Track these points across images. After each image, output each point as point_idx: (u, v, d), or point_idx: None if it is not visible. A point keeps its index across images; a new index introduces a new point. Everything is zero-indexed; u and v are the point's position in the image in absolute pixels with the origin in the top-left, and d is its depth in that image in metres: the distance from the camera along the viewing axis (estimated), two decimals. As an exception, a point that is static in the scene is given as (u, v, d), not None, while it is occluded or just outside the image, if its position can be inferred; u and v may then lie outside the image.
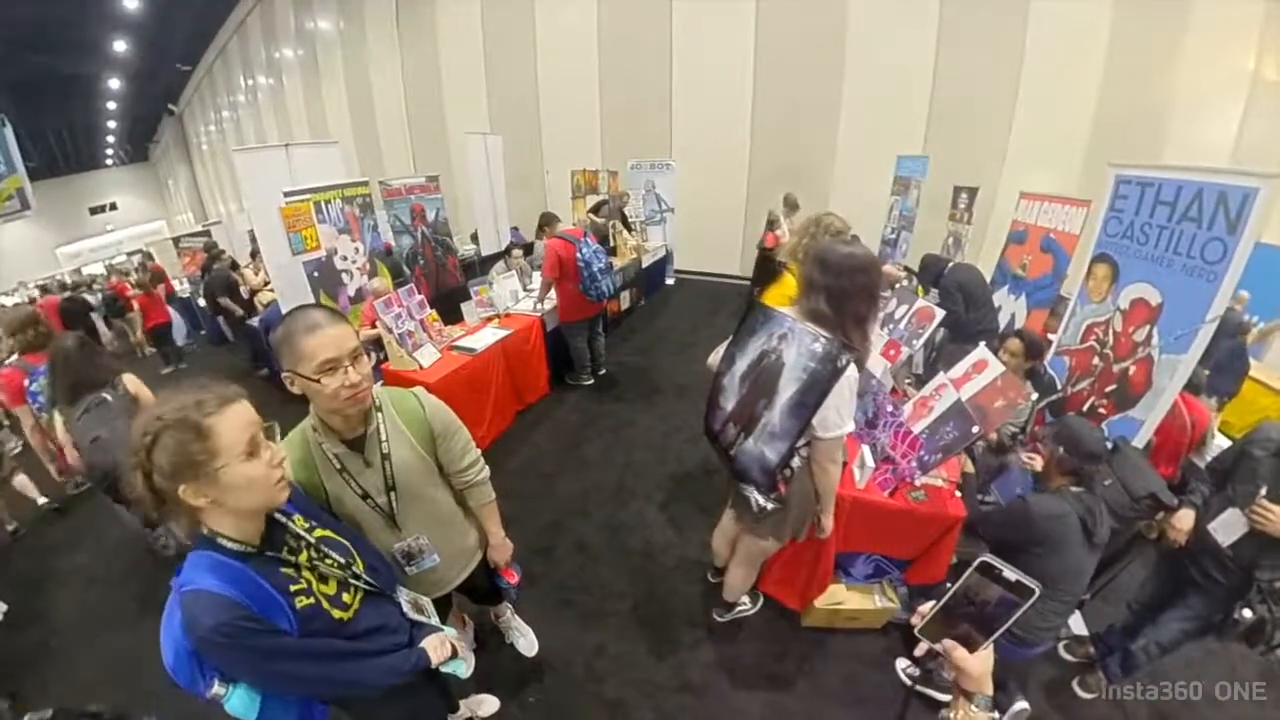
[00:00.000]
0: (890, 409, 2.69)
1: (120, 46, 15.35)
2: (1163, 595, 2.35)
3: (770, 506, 1.89)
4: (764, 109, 8.46)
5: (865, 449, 2.61)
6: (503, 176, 7.39)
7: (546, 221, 4.72)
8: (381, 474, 1.45)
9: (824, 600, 2.60)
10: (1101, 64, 7.34)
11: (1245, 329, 4.97)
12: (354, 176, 4.98)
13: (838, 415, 1.72)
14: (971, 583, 0.88)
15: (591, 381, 4.98)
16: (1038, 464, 2.32)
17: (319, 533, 1.23)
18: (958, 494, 2.46)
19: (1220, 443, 3.47)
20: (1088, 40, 7.32)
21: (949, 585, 0.91)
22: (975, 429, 2.30)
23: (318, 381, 1.24)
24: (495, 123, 10.25)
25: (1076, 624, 2.75)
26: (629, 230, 6.92)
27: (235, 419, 0.99)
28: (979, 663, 0.92)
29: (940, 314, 2.97)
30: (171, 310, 7.50)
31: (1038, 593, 0.83)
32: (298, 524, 1.18)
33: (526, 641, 2.47)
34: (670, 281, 8.49)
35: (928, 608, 0.97)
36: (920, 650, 1.00)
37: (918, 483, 2.47)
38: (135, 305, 7.33)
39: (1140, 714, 2.40)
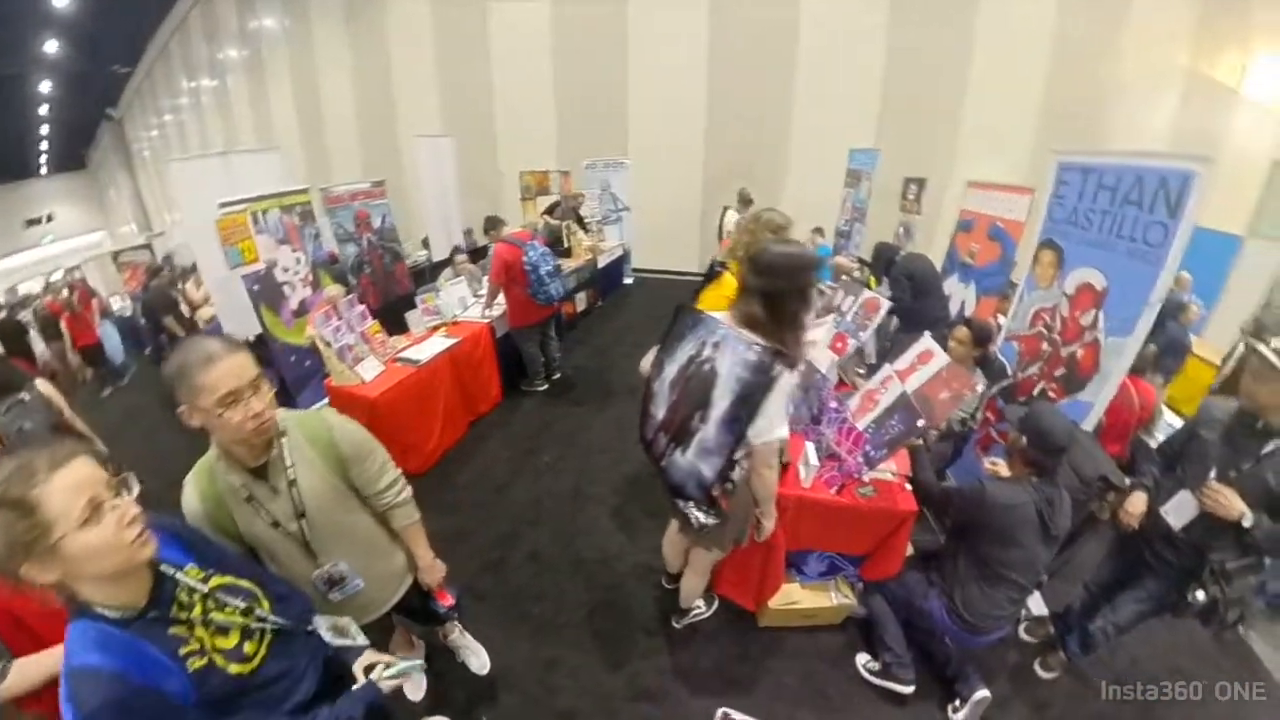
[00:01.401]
0: (834, 405, 2.68)
1: (51, 47, 14.56)
2: (1118, 577, 2.38)
3: (710, 522, 1.86)
4: (718, 105, 8.50)
5: (809, 446, 2.60)
6: (454, 179, 7.24)
7: (492, 225, 4.64)
8: (290, 500, 1.41)
9: (778, 600, 2.60)
10: (1047, 56, 7.60)
11: (1185, 309, 5.19)
12: (303, 183, 4.84)
13: (769, 421, 1.69)
14: None
15: (546, 387, 4.93)
16: (1002, 470, 2.32)
17: (215, 581, 1.14)
18: (908, 487, 2.47)
19: (1169, 419, 3.66)
20: (1033, 33, 7.57)
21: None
22: (921, 422, 2.29)
23: (220, 416, 1.19)
24: (448, 124, 10.04)
25: (1036, 605, 2.80)
26: (584, 230, 6.86)
27: (65, 483, 0.88)
28: None
29: (886, 305, 2.98)
30: (106, 328, 7.18)
31: None
32: (190, 575, 1.09)
33: (478, 660, 2.42)
34: (629, 281, 8.47)
35: None
36: None
37: (866, 478, 2.45)
38: (63, 326, 7.00)
39: (1101, 688, 2.46)
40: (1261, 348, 1.92)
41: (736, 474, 1.86)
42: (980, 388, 2.91)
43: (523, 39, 9.39)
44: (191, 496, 1.38)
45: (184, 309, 6.25)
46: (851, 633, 2.64)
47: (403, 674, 1.32)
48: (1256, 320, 5.16)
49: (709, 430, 1.68)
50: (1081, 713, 2.39)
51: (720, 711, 0.65)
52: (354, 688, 1.26)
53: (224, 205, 4.06)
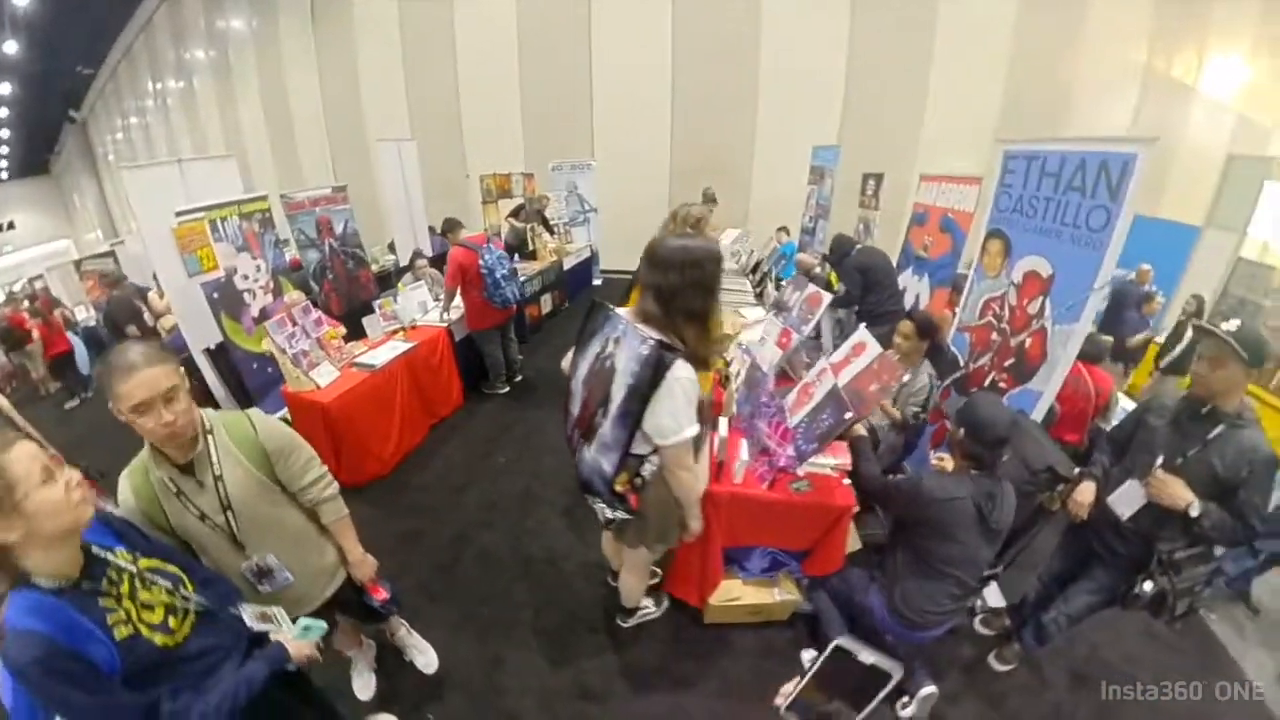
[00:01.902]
0: (764, 399, 2.67)
1: (10, 47, 14.15)
2: (1070, 567, 2.35)
3: (618, 517, 1.84)
4: (683, 106, 8.57)
5: (743, 442, 2.58)
6: (419, 183, 7.22)
7: (450, 228, 4.66)
8: (216, 495, 1.48)
9: (720, 597, 2.59)
10: (1007, 55, 7.73)
11: (1149, 298, 5.34)
12: (273, 187, 4.82)
13: (673, 420, 1.62)
14: (829, 665, 0.79)
15: (507, 389, 4.97)
16: (948, 465, 2.26)
17: (144, 563, 1.25)
18: (847, 482, 2.43)
19: (1126, 407, 3.56)
20: (994, 32, 7.70)
21: (809, 665, 0.83)
22: (849, 415, 2.24)
23: (135, 420, 1.29)
24: (416, 127, 10.03)
25: (994, 596, 2.80)
26: (550, 233, 6.89)
27: (22, 453, 1.04)
28: None
29: (828, 299, 2.99)
30: (73, 338, 7.08)
31: (896, 677, 0.75)
32: (119, 557, 1.20)
33: (425, 659, 2.46)
34: (597, 282, 8.53)
35: (791, 686, 0.87)
36: None
37: (800, 473, 2.40)
38: (36, 335, 6.88)
39: (1058, 680, 2.49)
40: (1218, 331, 1.83)
41: (647, 471, 1.81)
42: (907, 378, 2.90)
43: (489, 42, 9.40)
44: (126, 491, 1.47)
45: (147, 318, 6.18)
46: (798, 628, 2.64)
47: (309, 631, 1.44)
48: (1197, 299, 5.36)
49: (606, 425, 1.68)
50: (1036, 705, 2.40)
51: (836, 641, 0.68)
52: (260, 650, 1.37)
53: (181, 214, 4.04)
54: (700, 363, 1.69)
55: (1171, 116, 7.87)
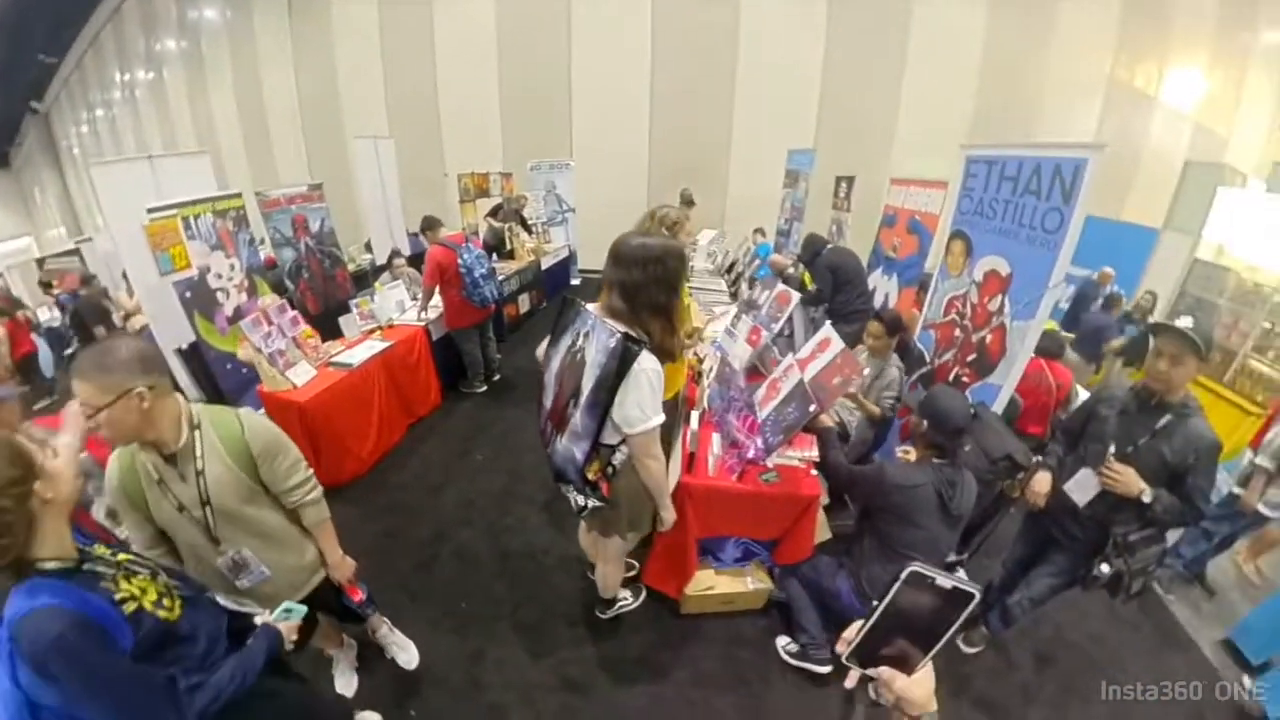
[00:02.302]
0: (733, 394, 2.75)
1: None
2: (1030, 553, 2.48)
3: (590, 504, 1.91)
4: (661, 107, 8.65)
5: (715, 435, 2.66)
6: (396, 182, 7.17)
7: (429, 225, 4.65)
8: (196, 489, 1.51)
9: (695, 587, 2.66)
10: (977, 63, 7.95)
11: (1115, 300, 5.56)
12: (246, 185, 4.76)
13: (639, 410, 1.69)
14: (902, 596, 0.74)
15: (485, 388, 4.99)
16: (912, 456, 2.34)
17: (122, 556, 1.26)
18: (814, 473, 2.53)
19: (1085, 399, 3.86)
20: (965, 41, 7.92)
21: (876, 603, 0.78)
22: (813, 408, 2.34)
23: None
24: (393, 125, 9.93)
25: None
26: (528, 232, 6.90)
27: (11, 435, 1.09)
28: (922, 685, 0.78)
29: (796, 297, 3.06)
30: (37, 339, 6.90)
31: (978, 596, 0.73)
32: (100, 550, 1.22)
33: (406, 655, 2.48)
34: (576, 282, 8.54)
35: (853, 631, 0.82)
36: (851, 681, 0.83)
37: (770, 464, 2.50)
38: (2, 332, 6.67)
39: (1024, 662, 2.62)
40: (1180, 328, 1.92)
41: (617, 460, 1.89)
42: (868, 371, 3.03)
43: (468, 40, 9.36)
44: (113, 469, 1.51)
45: (116, 318, 6.07)
46: (774, 616, 2.72)
47: (290, 614, 1.48)
48: (1152, 295, 5.62)
49: (577, 415, 1.74)
50: (1004, 684, 2.52)
51: (908, 570, 0.64)
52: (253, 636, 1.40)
53: (152, 210, 3.98)
54: (665, 355, 1.76)
55: (1134, 124, 8.22)
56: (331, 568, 1.89)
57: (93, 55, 17.09)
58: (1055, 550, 2.34)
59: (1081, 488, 2.14)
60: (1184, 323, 2.02)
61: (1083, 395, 3.74)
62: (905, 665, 0.79)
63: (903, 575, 0.73)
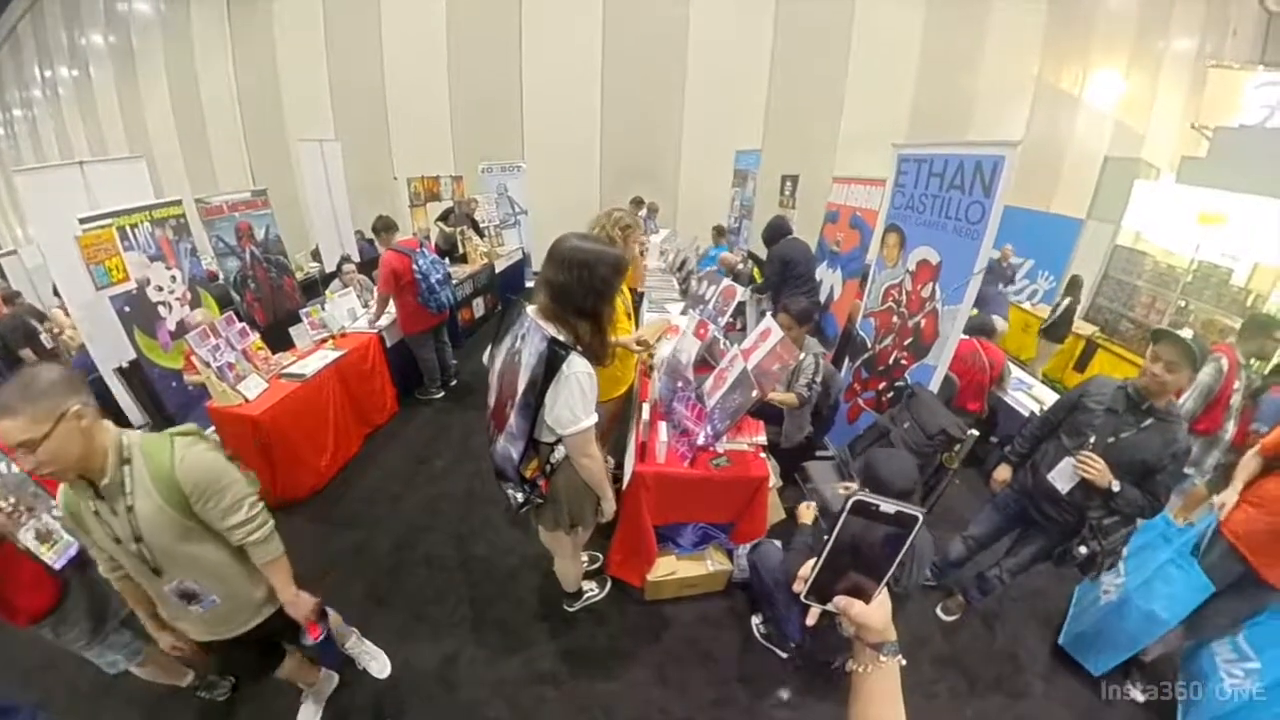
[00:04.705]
0: (680, 384, 2.87)
1: None
2: (996, 531, 2.71)
3: (532, 501, 1.96)
4: (612, 109, 8.73)
5: (663, 424, 2.76)
6: (344, 185, 7.02)
7: (385, 226, 4.59)
8: (127, 524, 1.46)
9: (657, 574, 2.79)
10: (915, 66, 8.33)
11: (1002, 274, 6.21)
12: (184, 192, 4.59)
13: (569, 412, 1.72)
14: (850, 527, 0.75)
15: (442, 394, 4.97)
16: (807, 517, 2.41)
17: None
18: (763, 455, 2.68)
19: (1019, 376, 4.18)
20: (903, 46, 8.29)
21: (826, 537, 0.78)
22: (755, 393, 2.48)
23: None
24: (340, 127, 9.67)
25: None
26: (480, 236, 6.87)
27: None
28: (879, 612, 0.81)
29: (741, 290, 3.18)
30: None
31: (921, 518, 0.74)
32: None
33: (378, 664, 2.50)
34: (530, 285, 8.49)
35: (808, 569, 0.83)
36: (812, 618, 0.85)
37: (720, 449, 2.62)
38: None
39: (1001, 631, 2.81)
40: (1182, 337, 2.05)
41: (555, 457, 1.93)
42: (801, 355, 3.17)
43: (417, 39, 9.19)
44: (63, 494, 1.50)
45: (44, 339, 5.75)
46: (735, 596, 2.87)
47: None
48: (1076, 279, 6.08)
49: (512, 416, 1.77)
50: (979, 649, 2.72)
51: (852, 499, 0.63)
52: None
53: (85, 221, 3.82)
54: (595, 358, 1.79)
55: (1060, 123, 8.77)
56: (286, 606, 1.76)
57: (9, 51, 15.97)
58: (1034, 531, 2.54)
59: (1063, 476, 2.32)
60: (1186, 334, 2.24)
61: (1016, 372, 4.11)
62: (862, 596, 0.81)
63: (847, 505, 0.74)
